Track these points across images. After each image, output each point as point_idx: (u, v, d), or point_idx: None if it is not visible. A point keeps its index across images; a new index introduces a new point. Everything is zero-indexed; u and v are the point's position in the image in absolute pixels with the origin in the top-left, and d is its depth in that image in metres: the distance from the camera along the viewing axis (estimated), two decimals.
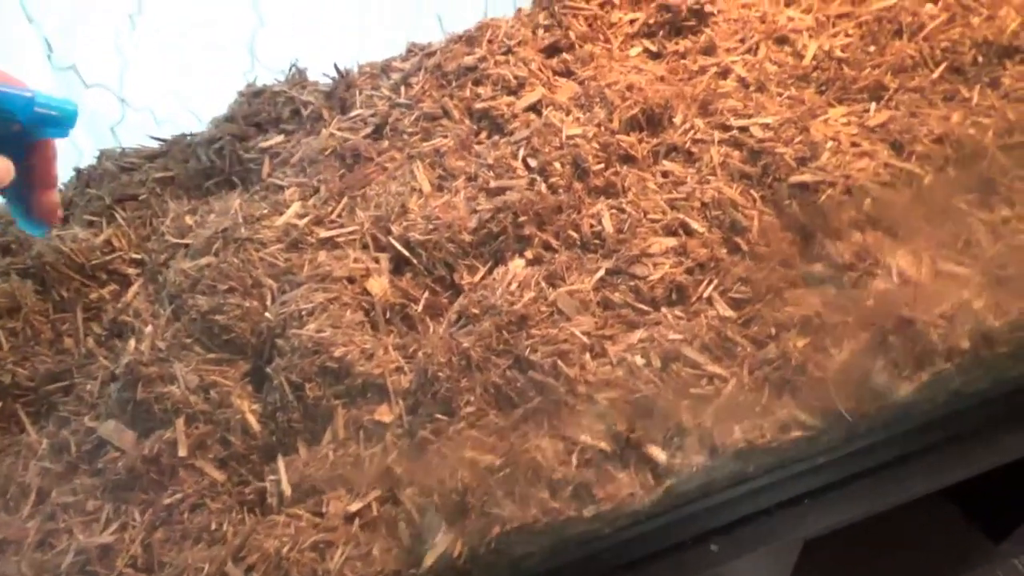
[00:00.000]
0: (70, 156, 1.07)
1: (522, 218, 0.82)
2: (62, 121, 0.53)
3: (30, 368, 0.85)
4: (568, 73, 0.99)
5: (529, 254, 0.81)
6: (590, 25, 1.02)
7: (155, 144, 1.06)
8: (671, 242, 0.76)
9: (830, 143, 0.80)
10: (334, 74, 1.06)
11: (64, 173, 1.03)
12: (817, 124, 0.82)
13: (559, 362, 0.68)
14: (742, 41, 0.92)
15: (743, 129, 0.82)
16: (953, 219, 0.74)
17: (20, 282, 0.88)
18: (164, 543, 0.70)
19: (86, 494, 0.74)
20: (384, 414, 0.73)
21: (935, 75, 0.85)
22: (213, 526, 0.71)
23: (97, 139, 1.07)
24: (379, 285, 0.82)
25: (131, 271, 0.92)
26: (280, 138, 1.00)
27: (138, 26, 0.99)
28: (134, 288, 0.90)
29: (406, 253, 0.84)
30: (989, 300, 0.64)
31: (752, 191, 0.79)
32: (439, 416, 0.70)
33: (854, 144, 0.80)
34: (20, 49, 0.93)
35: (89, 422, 0.80)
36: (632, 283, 0.74)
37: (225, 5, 1.03)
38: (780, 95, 0.85)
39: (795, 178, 0.77)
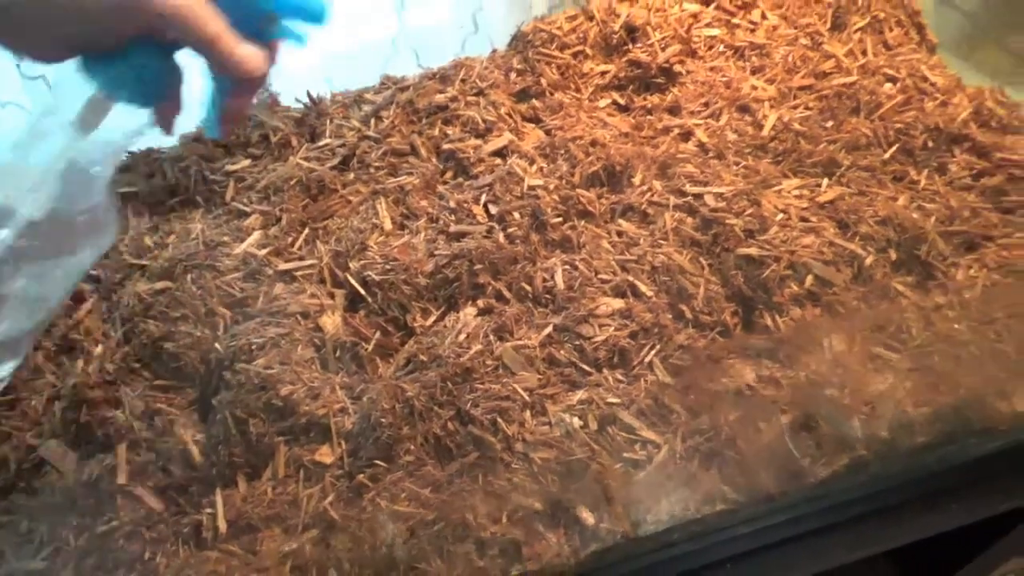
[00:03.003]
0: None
1: (478, 266, 0.84)
2: (310, 15, 0.51)
3: None
4: (537, 120, 1.01)
5: (481, 303, 0.83)
6: (562, 73, 1.04)
7: (122, 156, 1.06)
8: (618, 304, 0.78)
9: (780, 216, 0.82)
10: (307, 100, 1.07)
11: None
12: (770, 195, 0.85)
13: (499, 419, 0.70)
14: (706, 105, 0.95)
15: (698, 196, 0.84)
16: (890, 302, 0.77)
17: None
18: (96, 571, 0.71)
19: (21, 514, 0.75)
20: (325, 455, 0.74)
21: (887, 155, 0.88)
22: (147, 556, 0.71)
23: None
24: (332, 322, 0.83)
25: (85, 286, 0.91)
26: (247, 162, 1.00)
27: None
28: (87, 305, 0.89)
29: (362, 291, 0.85)
30: (912, 389, 0.66)
31: (701, 259, 0.81)
32: (378, 462, 0.71)
33: (803, 219, 0.82)
34: None
35: (31, 439, 0.80)
36: (577, 342, 0.76)
37: None
38: (737, 164, 0.88)
39: (743, 250, 0.79)
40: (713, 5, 1.05)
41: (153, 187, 1.01)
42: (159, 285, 0.86)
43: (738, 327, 0.77)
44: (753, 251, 0.79)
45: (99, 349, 0.84)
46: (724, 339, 0.76)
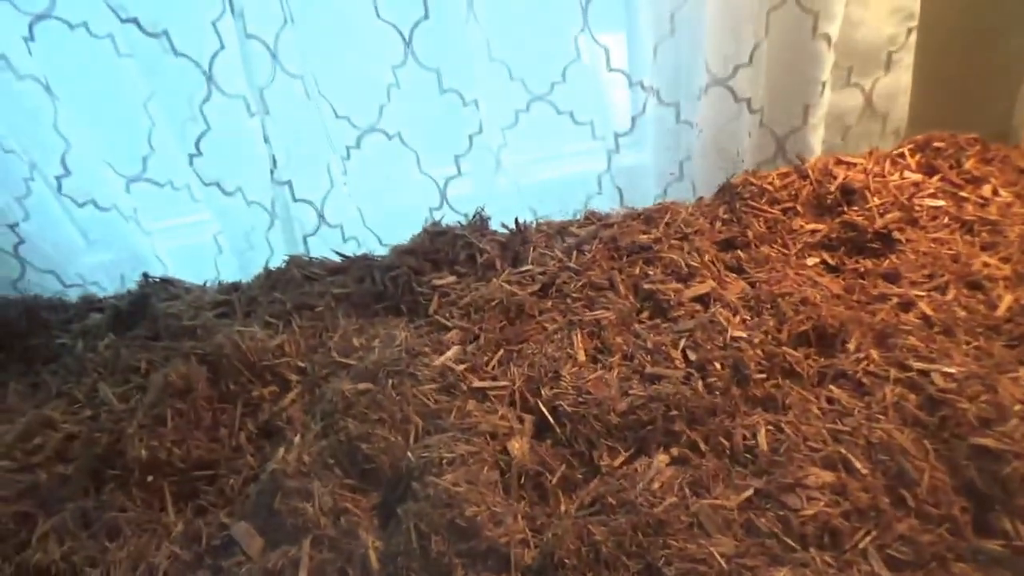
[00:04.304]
0: (260, 255, 1.17)
1: (673, 412, 0.81)
2: None
3: (184, 450, 0.90)
4: (740, 271, 1.00)
5: (675, 451, 0.80)
6: (770, 228, 1.03)
7: (338, 259, 1.15)
8: (829, 477, 0.73)
9: (1019, 407, 0.75)
10: (513, 227, 1.13)
11: (253, 270, 1.14)
12: (1005, 382, 0.78)
13: None
14: (930, 277, 0.90)
15: (923, 373, 0.78)
16: None
17: (197, 367, 0.95)
18: None
19: None
20: None
21: None
22: None
23: (291, 245, 1.17)
24: (520, 447, 0.83)
25: (294, 377, 0.97)
26: (452, 279, 1.05)
27: (352, 158, 1.10)
28: (291, 395, 0.95)
29: (551, 420, 0.85)
30: None
31: (926, 442, 0.75)
32: None
33: None
34: (251, 161, 1.05)
35: (224, 517, 0.83)
36: (782, 512, 0.71)
37: (428, 150, 1.13)
38: (967, 343, 0.82)
39: (977, 439, 0.72)
40: (937, 176, 1.01)
41: (363, 291, 1.08)
42: (361, 386, 0.89)
43: (969, 526, 0.69)
44: (990, 443, 0.71)
45: (298, 440, 0.88)
46: (953, 538, 0.68)
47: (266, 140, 1.06)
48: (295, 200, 1.12)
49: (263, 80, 1.06)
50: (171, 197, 1.23)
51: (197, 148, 1.07)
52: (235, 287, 1.11)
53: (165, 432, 0.91)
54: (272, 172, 1.08)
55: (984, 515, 0.70)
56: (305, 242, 1.16)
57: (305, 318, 1.04)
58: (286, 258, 1.14)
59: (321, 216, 1.15)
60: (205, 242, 1.25)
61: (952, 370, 0.77)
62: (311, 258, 1.15)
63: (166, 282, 1.12)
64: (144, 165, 1.15)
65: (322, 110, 1.06)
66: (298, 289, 1.08)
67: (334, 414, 0.88)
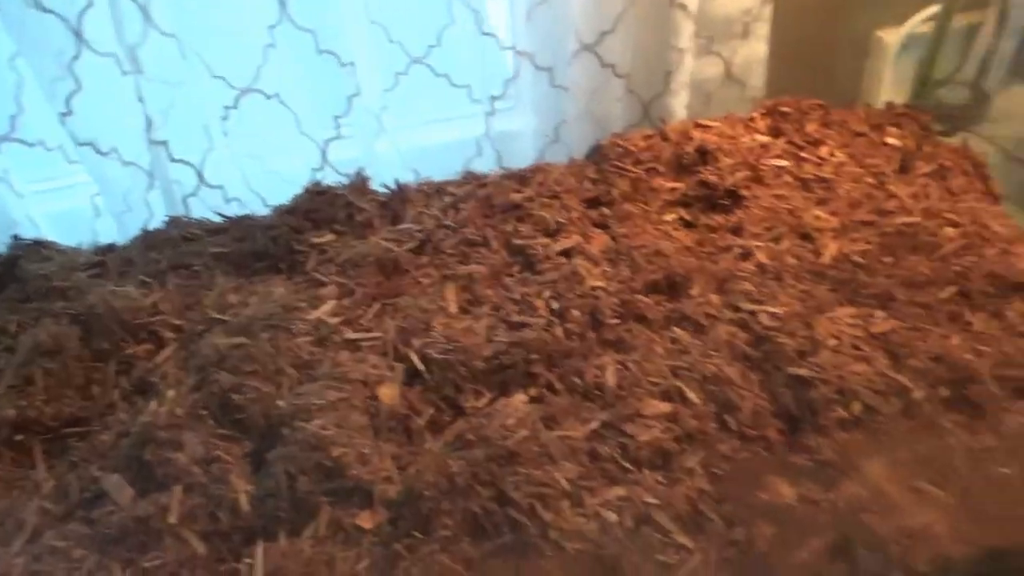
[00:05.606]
0: (139, 216, 1.17)
1: (533, 356, 0.87)
2: None
3: (55, 408, 0.91)
4: (605, 226, 1.07)
5: (533, 391, 0.86)
6: (633, 186, 1.10)
7: (219, 220, 1.15)
8: (666, 407, 0.80)
9: (832, 341, 0.84)
10: (393, 186, 1.16)
11: (133, 232, 1.13)
12: (824, 321, 0.87)
13: (537, 504, 0.71)
14: (769, 229, 0.99)
15: (752, 313, 0.87)
16: (937, 438, 0.77)
17: (68, 327, 0.95)
18: None
19: (75, 541, 0.78)
20: (366, 520, 0.76)
21: (944, 295, 0.90)
22: None
23: (171, 207, 1.17)
24: (389, 393, 0.87)
25: (169, 335, 0.98)
26: (331, 237, 1.08)
27: (230, 119, 1.11)
28: (167, 351, 0.96)
29: (421, 367, 0.89)
30: (955, 527, 0.66)
31: (751, 374, 0.83)
32: (416, 533, 0.73)
33: (855, 347, 0.84)
34: (125, 121, 1.05)
35: (95, 471, 0.85)
36: (622, 440, 0.78)
37: (312, 111, 1.15)
38: (794, 287, 0.90)
39: (793, 369, 0.81)
40: (783, 139, 1.10)
41: (243, 250, 1.09)
42: (236, 340, 0.91)
43: (781, 444, 0.78)
44: (803, 372, 0.80)
45: (172, 393, 0.89)
46: (767, 454, 0.77)
47: (140, 99, 1.05)
48: (172, 160, 1.12)
49: (135, 38, 1.05)
50: (45, 158, 1.20)
51: (68, 106, 1.05)
52: (110, 248, 1.11)
53: (35, 391, 0.92)
54: (147, 132, 1.07)
55: (794, 436, 0.79)
56: (185, 203, 1.16)
57: (182, 277, 1.04)
58: (166, 219, 1.14)
59: (200, 177, 1.15)
60: (83, 205, 1.23)
61: (777, 310, 0.86)
62: (191, 219, 1.15)
63: (38, 244, 1.10)
64: (12, 124, 1.13)
65: (197, 70, 1.06)
66: (175, 249, 1.08)
67: (207, 368, 0.90)
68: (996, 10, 1.26)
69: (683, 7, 1.08)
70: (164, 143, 1.10)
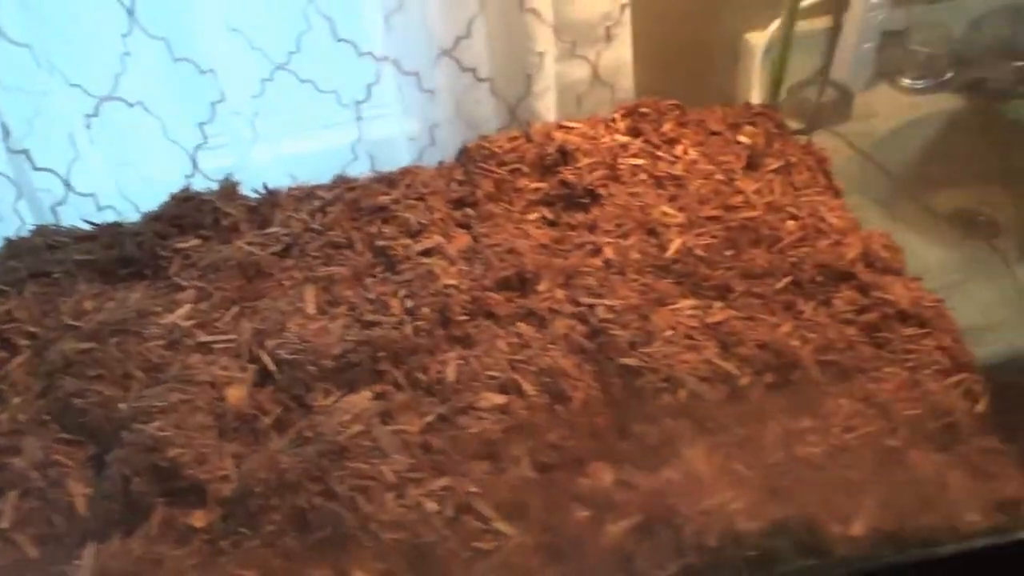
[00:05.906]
0: (10, 227, 1.15)
1: (380, 353, 0.89)
2: None
3: None
4: (467, 227, 1.09)
5: (378, 388, 0.88)
6: (498, 187, 1.12)
7: (88, 228, 1.15)
8: (500, 399, 0.82)
9: (668, 332, 0.87)
10: (263, 191, 1.16)
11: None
12: (663, 312, 0.90)
13: (358, 497, 0.73)
14: (619, 226, 1.02)
15: (590, 307, 0.89)
16: (758, 422, 0.80)
17: None
18: None
19: None
20: (198, 519, 0.77)
21: (779, 285, 0.94)
22: None
23: (39, 216, 1.16)
24: (236, 394, 0.88)
25: (23, 342, 0.97)
26: (196, 242, 1.08)
27: (93, 127, 1.10)
28: (19, 359, 0.95)
29: (272, 368, 0.90)
30: (750, 503, 0.69)
31: (586, 365, 0.86)
32: (243, 530, 0.74)
33: (688, 337, 0.87)
34: None
35: None
36: (453, 432, 0.80)
37: (177, 118, 1.15)
38: (635, 281, 0.93)
39: (623, 359, 0.84)
40: (641, 138, 1.14)
41: (110, 258, 1.08)
42: (84, 345, 0.91)
43: (609, 432, 0.81)
44: (633, 361, 0.83)
45: (17, 400, 0.89)
46: (594, 442, 0.79)
47: None
48: (36, 169, 1.11)
49: None
50: None
51: None
52: None
53: None
54: (5, 141, 1.07)
55: (623, 423, 0.81)
56: (54, 212, 1.15)
57: (41, 284, 1.04)
58: (31, 227, 1.13)
59: (68, 185, 1.14)
60: None
61: (614, 303, 0.89)
62: (60, 227, 1.14)
63: None
64: None
65: (55, 79, 1.06)
66: (38, 257, 1.08)
67: (54, 374, 0.90)
68: (857, 11, 1.31)
69: (536, 13, 1.11)
70: (25, 152, 1.09)
